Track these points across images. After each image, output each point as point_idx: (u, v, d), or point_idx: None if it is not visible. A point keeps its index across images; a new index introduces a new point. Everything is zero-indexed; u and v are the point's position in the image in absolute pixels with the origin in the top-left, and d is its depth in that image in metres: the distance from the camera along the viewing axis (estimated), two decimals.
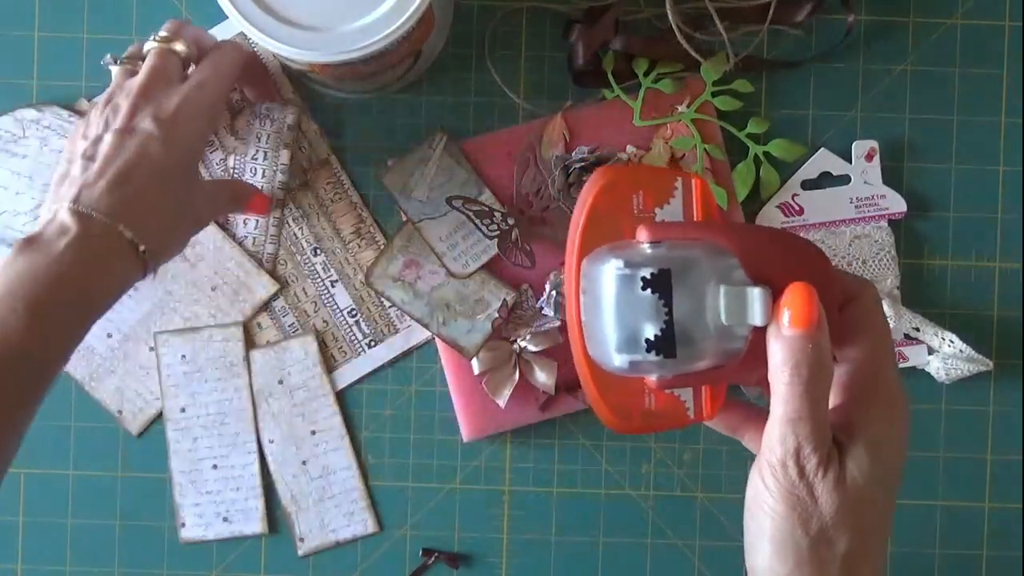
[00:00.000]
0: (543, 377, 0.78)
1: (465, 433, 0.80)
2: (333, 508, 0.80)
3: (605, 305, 0.45)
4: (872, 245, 0.80)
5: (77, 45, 0.80)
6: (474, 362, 0.78)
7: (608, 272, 0.45)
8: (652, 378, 0.46)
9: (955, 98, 0.80)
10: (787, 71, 0.80)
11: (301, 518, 0.80)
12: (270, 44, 0.65)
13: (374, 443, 0.81)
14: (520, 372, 0.78)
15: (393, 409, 0.81)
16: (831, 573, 0.46)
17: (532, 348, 0.78)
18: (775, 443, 0.45)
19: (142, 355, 0.80)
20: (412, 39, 0.67)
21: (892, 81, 0.80)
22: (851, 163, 0.79)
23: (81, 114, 0.79)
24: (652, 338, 0.44)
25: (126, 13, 0.80)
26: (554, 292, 0.77)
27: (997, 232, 0.81)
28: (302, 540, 0.81)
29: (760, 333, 0.45)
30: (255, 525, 0.80)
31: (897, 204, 0.80)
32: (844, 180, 0.80)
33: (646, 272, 0.44)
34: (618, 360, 0.45)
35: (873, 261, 0.80)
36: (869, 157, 0.79)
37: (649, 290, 0.43)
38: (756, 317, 0.44)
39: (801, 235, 0.60)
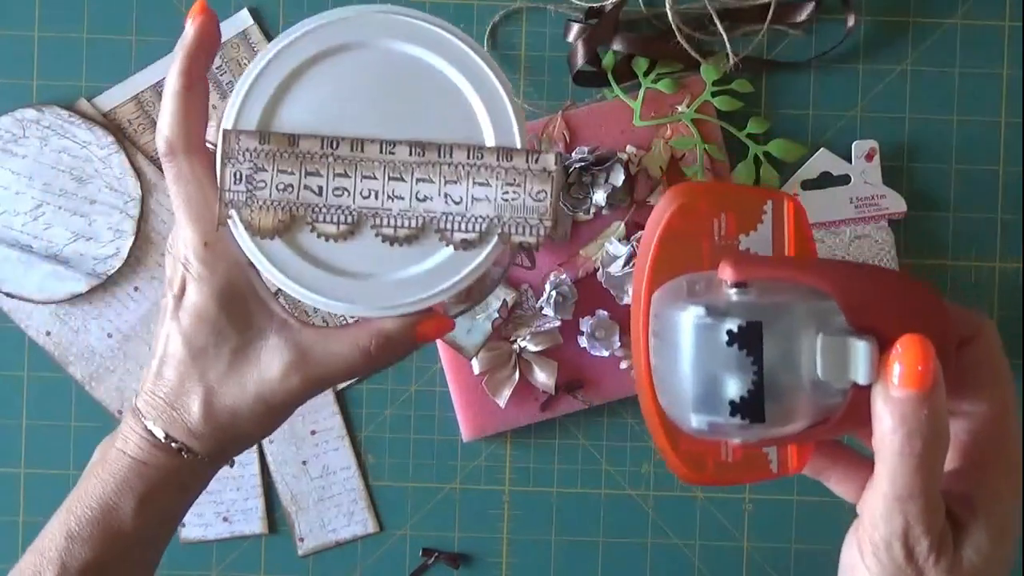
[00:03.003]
0: (543, 377, 0.78)
1: (465, 433, 0.80)
2: (333, 508, 0.80)
3: (682, 355, 0.39)
4: (872, 245, 0.80)
5: (77, 45, 0.80)
6: (474, 362, 0.78)
7: (686, 319, 0.38)
8: (735, 441, 0.40)
9: (955, 98, 0.80)
10: (787, 71, 0.80)
11: (301, 518, 0.80)
12: (295, 290, 0.47)
13: (374, 443, 0.81)
14: (520, 372, 0.78)
15: (393, 409, 0.81)
16: None
17: (532, 348, 0.78)
18: (879, 519, 0.39)
19: (142, 355, 0.80)
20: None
21: (892, 81, 0.80)
22: (851, 163, 0.79)
23: (81, 114, 0.79)
24: (737, 400, 0.38)
25: (126, 13, 0.80)
26: (554, 292, 0.77)
27: (997, 232, 0.81)
28: (302, 540, 0.81)
29: (863, 390, 0.38)
30: (255, 525, 0.80)
31: (897, 204, 0.80)
32: (844, 180, 0.80)
33: (732, 324, 0.38)
34: (695, 421, 0.39)
35: (873, 261, 0.80)
36: (869, 157, 0.79)
37: (736, 345, 0.38)
38: (860, 374, 0.38)
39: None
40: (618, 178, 0.77)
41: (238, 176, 0.46)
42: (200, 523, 0.80)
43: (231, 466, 0.54)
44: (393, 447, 0.81)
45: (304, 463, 0.80)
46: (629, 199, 0.78)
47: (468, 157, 0.47)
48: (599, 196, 0.77)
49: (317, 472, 0.80)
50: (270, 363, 0.49)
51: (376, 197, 0.47)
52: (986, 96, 0.80)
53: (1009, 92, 0.80)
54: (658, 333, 0.40)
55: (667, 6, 0.77)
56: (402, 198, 0.47)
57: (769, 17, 0.78)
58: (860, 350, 0.38)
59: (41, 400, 0.81)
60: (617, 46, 0.78)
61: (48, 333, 0.80)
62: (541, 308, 0.78)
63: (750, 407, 0.38)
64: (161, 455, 0.50)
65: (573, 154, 0.77)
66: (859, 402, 0.39)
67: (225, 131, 0.46)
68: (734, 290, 0.39)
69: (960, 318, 0.42)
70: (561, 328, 0.78)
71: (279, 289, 0.48)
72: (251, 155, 0.46)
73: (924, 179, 0.80)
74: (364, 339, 0.49)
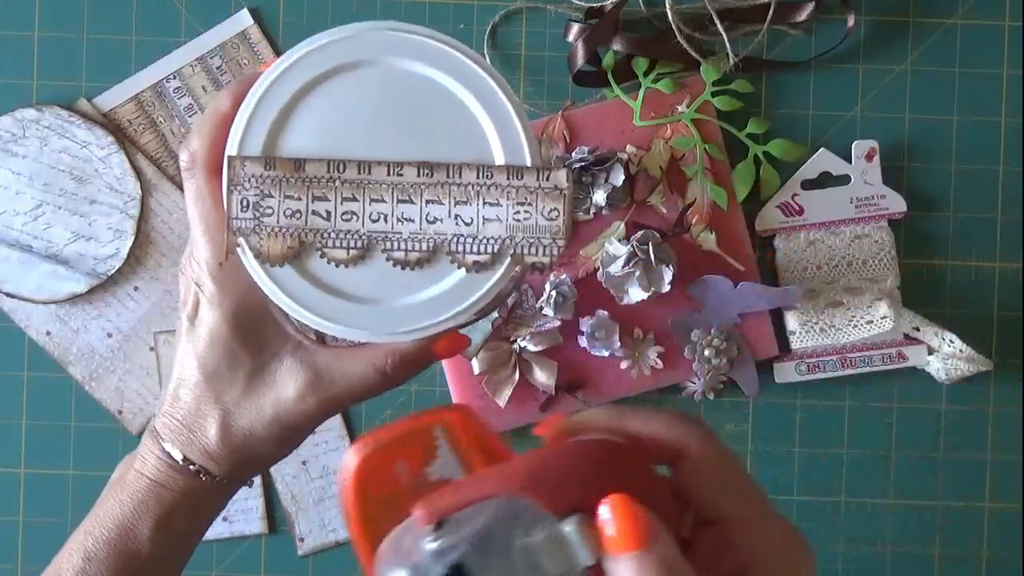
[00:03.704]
0: (543, 377, 0.78)
1: None
2: (333, 508, 0.81)
3: None
4: (872, 245, 0.80)
5: (77, 45, 0.80)
6: (474, 362, 0.78)
7: None
8: None
9: (955, 98, 0.80)
10: (787, 71, 0.80)
11: (301, 518, 0.81)
12: (307, 317, 0.47)
13: None
14: (520, 372, 0.78)
15: (393, 409, 0.81)
16: None
17: (532, 348, 0.78)
18: None
19: (142, 355, 0.80)
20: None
21: (892, 81, 0.80)
22: (851, 163, 0.79)
23: (81, 114, 0.79)
24: None
25: (126, 13, 0.80)
26: (554, 292, 0.77)
27: (997, 232, 0.81)
28: (302, 540, 0.81)
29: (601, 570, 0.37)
30: (255, 525, 0.80)
31: (897, 204, 0.80)
32: (844, 180, 0.80)
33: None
34: None
35: (873, 261, 0.80)
36: (869, 157, 0.79)
37: None
38: (582, 557, 0.36)
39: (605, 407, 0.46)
40: (618, 178, 0.77)
41: (245, 203, 0.45)
42: None
43: (249, 486, 0.54)
44: None
45: (304, 463, 0.80)
46: (629, 199, 0.78)
47: (477, 177, 0.46)
48: (599, 196, 0.77)
49: (317, 472, 0.80)
50: (286, 385, 0.49)
51: (385, 220, 0.46)
52: (986, 96, 0.80)
53: (1009, 92, 0.80)
54: None
55: (667, 6, 0.77)
56: (412, 221, 0.46)
57: (769, 17, 0.78)
58: (571, 535, 0.36)
59: (41, 400, 0.81)
60: (617, 46, 0.78)
61: (48, 333, 0.80)
62: (541, 308, 0.78)
63: None
64: (179, 477, 0.50)
65: (573, 154, 0.77)
66: None
67: (230, 158, 0.45)
68: (433, 536, 0.37)
69: (661, 441, 0.40)
70: (561, 328, 0.78)
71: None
72: (257, 181, 0.45)
73: (924, 179, 0.80)
74: (380, 359, 0.48)
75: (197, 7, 0.79)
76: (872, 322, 0.77)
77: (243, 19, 0.79)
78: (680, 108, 0.79)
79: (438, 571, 0.36)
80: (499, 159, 0.46)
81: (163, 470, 0.50)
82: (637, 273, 0.75)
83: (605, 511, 0.36)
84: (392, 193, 0.46)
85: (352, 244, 0.46)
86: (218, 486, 0.51)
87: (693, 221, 0.78)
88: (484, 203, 0.46)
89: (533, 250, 0.46)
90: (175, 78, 0.80)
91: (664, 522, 0.37)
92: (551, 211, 0.46)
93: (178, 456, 0.50)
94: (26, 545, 0.81)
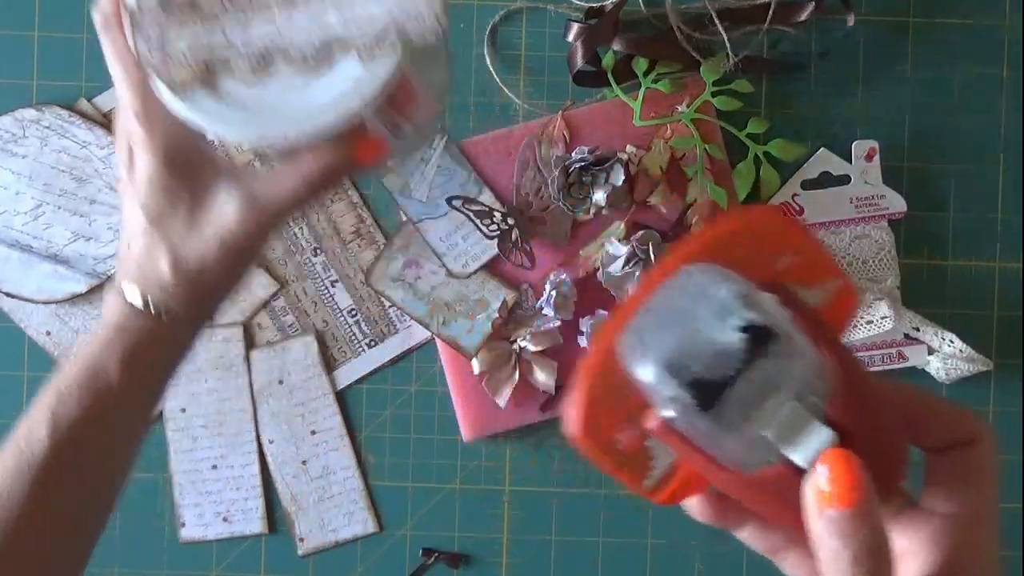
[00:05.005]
0: (543, 377, 0.78)
1: (465, 433, 0.80)
2: (333, 508, 0.81)
3: (682, 315, 0.37)
4: (872, 245, 0.80)
5: (77, 45, 0.80)
6: (474, 362, 0.78)
7: (713, 290, 0.37)
8: (659, 414, 0.38)
9: (955, 98, 0.80)
10: (787, 71, 0.80)
11: (301, 518, 0.81)
12: (226, 133, 0.50)
13: (374, 443, 0.81)
14: (520, 372, 0.78)
15: (393, 409, 0.81)
16: None
17: (532, 348, 0.78)
18: None
19: None
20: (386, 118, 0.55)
21: (892, 81, 0.80)
22: (851, 163, 0.79)
23: (81, 114, 0.79)
24: (702, 377, 0.36)
25: None
26: (554, 292, 0.77)
27: (997, 232, 0.81)
28: (302, 540, 0.81)
29: (788, 477, 0.37)
30: (255, 525, 0.80)
31: (897, 204, 0.80)
32: (844, 180, 0.80)
33: (751, 317, 0.36)
34: (648, 368, 0.37)
35: (873, 261, 0.80)
36: (869, 157, 0.79)
37: (738, 336, 0.36)
38: (802, 453, 0.36)
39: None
40: (618, 178, 0.77)
41: (149, 40, 0.50)
42: (200, 523, 0.80)
43: (211, 327, 0.56)
44: (393, 447, 0.81)
45: (304, 463, 0.80)
46: (629, 199, 0.78)
47: None
48: (599, 196, 0.77)
49: (317, 472, 0.80)
50: (225, 211, 0.52)
51: (278, 31, 0.50)
52: (986, 96, 0.80)
53: (1009, 92, 0.80)
54: (670, 287, 0.38)
55: (667, 6, 0.77)
56: (302, 25, 0.50)
57: (769, 17, 0.78)
58: (819, 435, 0.36)
59: None
60: (617, 46, 0.78)
61: (48, 333, 0.80)
62: (541, 308, 0.78)
63: (706, 390, 0.36)
64: (140, 320, 0.53)
65: (573, 154, 0.77)
66: (776, 486, 0.37)
67: (127, 4, 0.49)
68: (771, 297, 0.37)
69: (956, 421, 0.41)
70: (561, 328, 0.78)
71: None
72: (155, 18, 0.50)
73: (924, 179, 0.80)
74: (305, 168, 0.52)
75: None
76: (872, 322, 0.77)
77: None
78: (680, 108, 0.79)
79: (758, 317, 0.36)
80: None
81: (126, 313, 0.53)
82: (637, 273, 0.75)
83: (831, 460, 0.36)
84: (279, 4, 0.50)
85: (253, 59, 0.50)
86: (180, 325, 0.54)
87: (693, 221, 0.78)
88: None
89: (416, 26, 0.49)
90: None
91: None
92: None
93: (136, 297, 0.53)
94: None
